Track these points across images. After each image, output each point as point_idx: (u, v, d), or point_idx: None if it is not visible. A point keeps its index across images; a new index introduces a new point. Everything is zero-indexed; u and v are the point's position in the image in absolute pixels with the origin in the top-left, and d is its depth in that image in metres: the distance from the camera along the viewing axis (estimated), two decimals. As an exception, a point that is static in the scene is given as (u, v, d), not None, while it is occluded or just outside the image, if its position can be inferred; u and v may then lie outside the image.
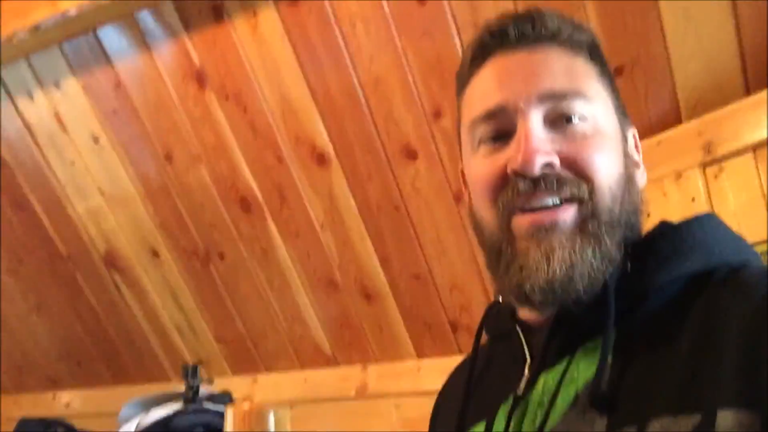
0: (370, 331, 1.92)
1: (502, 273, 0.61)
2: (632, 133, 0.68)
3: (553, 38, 0.63)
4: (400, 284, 1.79)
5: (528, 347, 0.64)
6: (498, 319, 0.71)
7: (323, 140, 1.68)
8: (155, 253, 2.11)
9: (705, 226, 0.61)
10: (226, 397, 1.84)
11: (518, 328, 0.65)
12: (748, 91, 1.27)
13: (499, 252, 0.61)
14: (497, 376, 0.69)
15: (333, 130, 1.66)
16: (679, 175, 1.28)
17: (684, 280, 0.58)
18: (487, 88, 0.63)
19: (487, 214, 0.62)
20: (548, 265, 0.56)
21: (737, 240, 0.62)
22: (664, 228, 0.62)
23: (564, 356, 0.59)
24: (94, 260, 2.17)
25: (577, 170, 0.58)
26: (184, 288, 2.14)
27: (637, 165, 0.67)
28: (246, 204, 1.88)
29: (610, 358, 0.55)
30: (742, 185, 1.22)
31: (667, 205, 1.30)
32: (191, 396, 1.76)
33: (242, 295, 2.06)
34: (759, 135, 1.18)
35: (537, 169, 0.57)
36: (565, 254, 0.56)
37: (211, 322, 2.17)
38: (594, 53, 0.65)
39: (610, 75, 0.67)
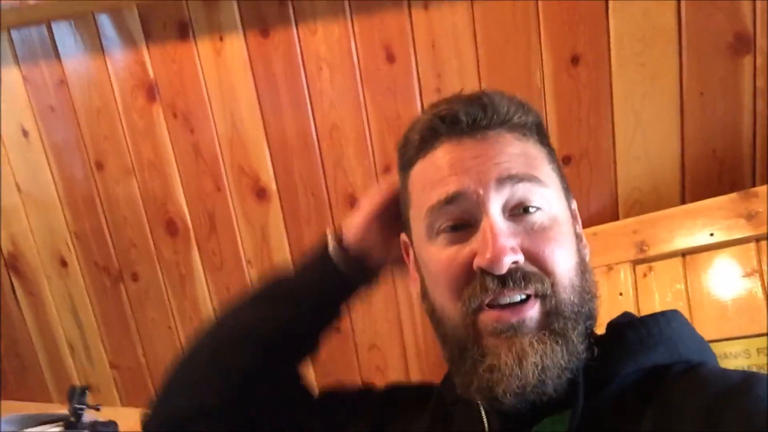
0: (278, 379, 1.85)
1: (467, 370, 0.60)
2: (573, 205, 0.69)
3: (503, 123, 0.63)
4: (319, 334, 1.74)
5: (487, 416, 0.63)
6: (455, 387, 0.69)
7: (267, 175, 1.64)
8: (63, 263, 1.98)
9: (672, 322, 0.63)
10: (111, 427, 1.72)
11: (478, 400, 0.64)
12: (684, 200, 1.34)
13: (465, 348, 0.60)
14: None
15: (279, 167, 1.63)
16: (610, 269, 1.32)
17: (645, 370, 0.59)
18: (441, 174, 0.62)
19: (450, 307, 0.61)
20: (521, 369, 0.56)
21: (699, 340, 0.64)
22: (631, 318, 0.65)
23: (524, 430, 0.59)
24: (-6, 260, 2.02)
25: (539, 265, 0.59)
26: (87, 304, 2.01)
27: (580, 239, 0.67)
28: (173, 227, 1.80)
29: None
30: (667, 287, 1.26)
31: (595, 296, 1.33)
32: (74, 421, 1.64)
33: (149, 320, 1.95)
34: (690, 242, 1.24)
35: (505, 268, 0.57)
36: (537, 358, 0.56)
37: (109, 346, 2.04)
38: (541, 133, 0.66)
39: (554, 151, 0.69)
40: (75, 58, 1.71)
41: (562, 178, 0.67)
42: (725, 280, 1.20)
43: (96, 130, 1.78)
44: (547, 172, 0.63)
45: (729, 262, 1.21)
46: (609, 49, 1.31)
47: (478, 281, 0.58)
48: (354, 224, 0.77)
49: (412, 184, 0.66)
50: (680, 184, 1.35)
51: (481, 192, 0.59)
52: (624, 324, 0.63)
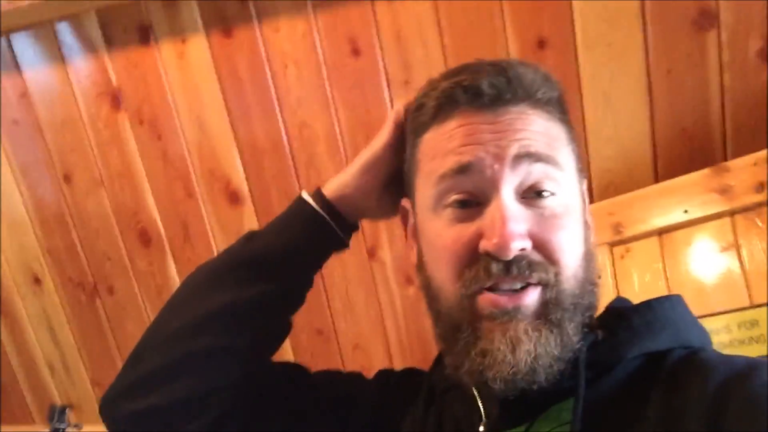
0: (262, 385, 1.82)
1: (459, 351, 0.58)
2: (584, 186, 0.66)
3: (527, 99, 0.60)
4: (301, 337, 1.71)
5: (483, 406, 0.61)
6: (445, 375, 0.67)
7: (239, 178, 1.62)
8: (37, 281, 1.94)
9: (676, 307, 0.62)
10: (93, 445, 1.68)
11: (473, 387, 0.63)
12: (657, 179, 1.33)
13: (458, 329, 0.58)
14: (451, 427, 0.66)
15: (251, 169, 1.60)
16: (588, 252, 1.31)
17: (648, 355, 0.59)
18: (456, 143, 0.59)
19: (448, 286, 0.59)
20: (513, 356, 0.55)
21: (699, 326, 0.64)
22: (633, 303, 0.64)
23: (523, 420, 0.58)
24: (-35, 281, 1.97)
25: (546, 254, 0.57)
26: (64, 322, 1.97)
27: (587, 225, 0.65)
28: (146, 237, 1.77)
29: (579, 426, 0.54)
30: (645, 267, 1.25)
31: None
32: (55, 441, 1.60)
33: (128, 335, 1.91)
34: (665, 221, 1.23)
35: (512, 254, 0.55)
36: (530, 346, 0.55)
37: (89, 363, 2.00)
38: (563, 109, 0.64)
39: (573, 129, 0.65)
40: (36, 69, 1.68)
41: (578, 158, 0.64)
42: (702, 256, 1.20)
43: (62, 142, 1.74)
44: (565, 153, 0.61)
45: (705, 238, 1.20)
46: (574, 31, 1.30)
47: (482, 265, 0.56)
48: (344, 176, 0.75)
49: (422, 151, 0.63)
50: (652, 163, 1.34)
51: (496, 167, 0.57)
52: (628, 308, 0.62)
